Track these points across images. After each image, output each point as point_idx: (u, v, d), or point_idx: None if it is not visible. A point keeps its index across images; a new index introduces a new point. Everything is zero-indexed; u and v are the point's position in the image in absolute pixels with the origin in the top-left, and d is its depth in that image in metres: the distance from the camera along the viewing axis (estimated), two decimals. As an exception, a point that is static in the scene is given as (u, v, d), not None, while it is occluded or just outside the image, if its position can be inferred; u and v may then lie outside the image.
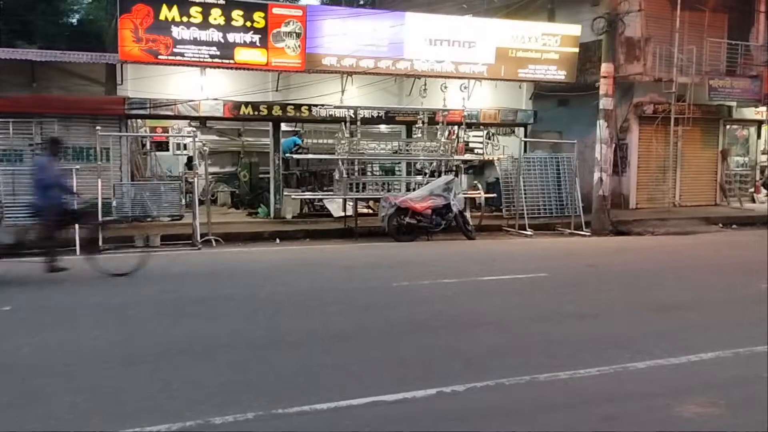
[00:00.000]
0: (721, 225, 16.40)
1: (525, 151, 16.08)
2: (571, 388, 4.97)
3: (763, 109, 19.53)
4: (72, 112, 13.89)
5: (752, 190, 20.54)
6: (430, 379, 5.04)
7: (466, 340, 6.19)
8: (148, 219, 14.02)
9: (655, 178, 18.59)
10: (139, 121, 16.00)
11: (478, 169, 17.78)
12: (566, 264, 10.95)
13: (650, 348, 5.89)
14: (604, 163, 14.98)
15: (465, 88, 16.48)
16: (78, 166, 12.36)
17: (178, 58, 13.73)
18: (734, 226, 16.52)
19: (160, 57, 13.59)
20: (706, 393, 4.91)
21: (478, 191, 15.81)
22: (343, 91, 15.59)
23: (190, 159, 18.05)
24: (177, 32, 13.55)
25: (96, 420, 4.30)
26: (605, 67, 14.79)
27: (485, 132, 17.84)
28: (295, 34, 14.35)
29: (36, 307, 7.53)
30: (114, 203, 12.97)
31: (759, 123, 20.66)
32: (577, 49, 16.56)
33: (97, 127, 12.94)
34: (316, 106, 15.41)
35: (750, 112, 19.81)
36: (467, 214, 14.12)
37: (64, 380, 5.04)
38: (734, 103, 18.98)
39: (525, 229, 14.56)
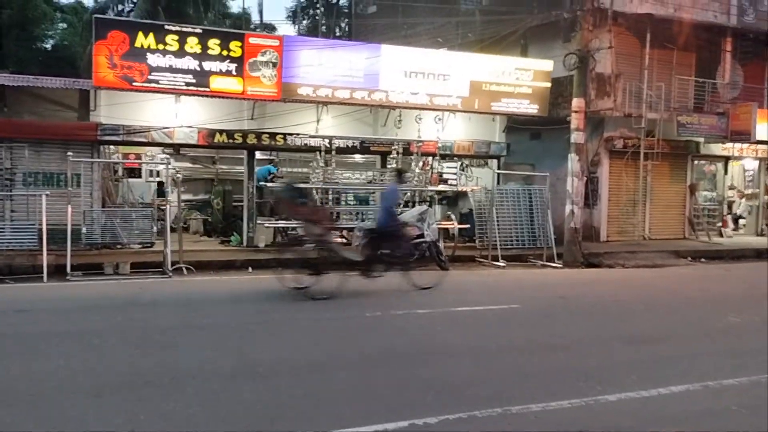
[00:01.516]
0: (690, 258, 16.66)
1: (498, 182, 16.25)
2: (543, 421, 4.96)
3: (729, 145, 20.01)
4: (43, 137, 13.74)
5: (720, 224, 20.94)
6: (403, 411, 5.00)
7: (439, 371, 6.17)
8: (119, 246, 13.81)
9: (625, 211, 18.88)
10: (111, 147, 15.86)
11: (452, 200, 17.88)
12: (538, 295, 11.00)
13: (621, 380, 5.93)
14: (575, 196, 15.18)
15: (439, 119, 16.66)
16: (48, 192, 12.22)
17: (153, 85, 13.68)
18: (702, 259, 16.79)
19: (134, 84, 13.54)
20: (677, 426, 4.93)
21: (451, 222, 15.89)
22: (318, 121, 15.66)
23: (160, 185, 17.95)
24: (153, 59, 13.53)
25: (58, 453, 4.18)
26: (576, 102, 15.08)
27: (459, 163, 18.00)
28: (271, 64, 14.41)
29: (1, 336, 7.34)
30: (84, 230, 12.76)
31: (726, 159, 21.16)
32: (549, 84, 16.86)
33: (69, 153, 12.77)
34: (291, 135, 15.43)
35: (717, 148, 20.29)
36: (441, 245, 14.13)
37: (28, 410, 4.90)
38: (702, 139, 19.42)
39: (498, 260, 14.64)
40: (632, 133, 18.09)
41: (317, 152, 14.97)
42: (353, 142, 16.04)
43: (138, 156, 17.69)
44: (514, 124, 18.03)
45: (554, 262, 14.89)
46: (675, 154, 19.35)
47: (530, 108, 16.86)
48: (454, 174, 17.85)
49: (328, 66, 14.85)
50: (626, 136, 18.34)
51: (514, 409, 5.11)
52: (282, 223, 15.80)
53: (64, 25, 33.18)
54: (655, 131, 17.89)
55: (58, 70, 21.79)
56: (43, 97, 14.36)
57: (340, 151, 15.50)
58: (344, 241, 15.64)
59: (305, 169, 16.02)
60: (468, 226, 15.97)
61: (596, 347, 7.36)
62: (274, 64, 14.42)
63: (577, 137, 15.12)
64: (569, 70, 15.25)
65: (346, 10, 31.67)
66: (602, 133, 18.25)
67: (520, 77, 16.62)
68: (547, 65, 16.85)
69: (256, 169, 16.21)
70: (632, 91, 17.82)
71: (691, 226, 20.03)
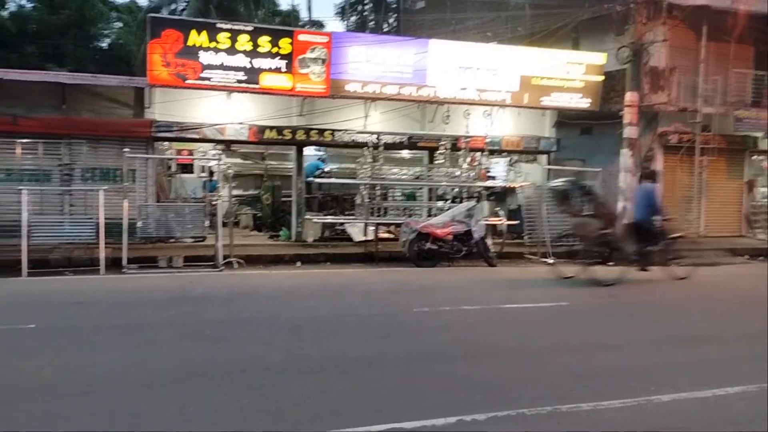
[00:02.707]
0: (747, 257, 16.15)
1: (548, 178, 16.02)
2: (595, 421, 4.89)
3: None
4: (100, 134, 14.16)
5: (779, 221, 20.21)
6: (450, 408, 4.99)
7: (487, 369, 6.13)
8: (172, 240, 14.15)
9: (679, 207, 18.38)
10: (165, 143, 16.24)
11: (500, 195, 17.72)
12: (588, 293, 10.82)
13: (674, 381, 5.79)
14: (627, 192, 14.87)
15: (488, 115, 16.52)
16: (106, 187, 12.55)
17: (206, 82, 13.96)
18: (761, 258, 16.24)
19: (187, 81, 13.83)
20: (733, 428, 4.80)
21: (499, 218, 15.75)
22: (366, 117, 15.74)
23: (210, 179, 18.31)
24: (205, 57, 13.79)
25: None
26: (629, 96, 14.77)
27: (508, 159, 17.83)
28: (320, 60, 14.53)
29: (59, 327, 7.60)
30: (139, 224, 13.12)
31: (785, 154, 20.41)
32: (601, 78, 16.55)
33: (125, 149, 13.16)
34: (339, 131, 15.55)
35: (776, 143, 19.59)
36: (489, 241, 14.05)
37: (83, 401, 5.07)
38: (760, 134, 18.78)
39: (547, 257, 14.45)
40: (687, 128, 17.60)
41: (365, 148, 15.02)
42: (401, 138, 16.06)
43: (190, 152, 18.07)
44: (565, 119, 17.75)
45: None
46: (731, 149, 18.76)
47: (582, 102, 16.58)
48: (503, 170, 17.71)
49: (376, 62, 14.90)
50: (681, 131, 17.85)
51: (564, 408, 5.04)
52: (330, 219, 15.96)
53: (120, 25, 34.07)
54: (710, 126, 17.36)
55: (114, 69, 22.41)
56: (100, 94, 14.77)
57: (388, 146, 15.54)
58: (392, 236, 15.72)
59: (353, 165, 16.12)
60: (517, 222, 15.80)
61: (647, 347, 7.19)
62: (323, 61, 14.53)
63: (629, 132, 14.82)
64: (622, 63, 14.95)
65: (395, 6, 31.63)
66: (656, 128, 17.81)
67: (571, 71, 16.36)
68: (599, 59, 16.54)
69: (305, 164, 16.38)
70: (687, 85, 17.33)
71: (748, 224, 19.40)
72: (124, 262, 12.02)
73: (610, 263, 11.46)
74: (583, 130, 17.97)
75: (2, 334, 7.11)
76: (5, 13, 29.58)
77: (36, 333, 7.28)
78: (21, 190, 11.79)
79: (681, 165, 18.14)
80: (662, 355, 6.88)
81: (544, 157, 17.84)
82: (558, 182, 13.45)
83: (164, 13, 26.71)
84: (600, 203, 12.27)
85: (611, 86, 16.60)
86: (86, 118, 14.33)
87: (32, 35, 28.24)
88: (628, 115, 14.76)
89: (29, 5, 30.79)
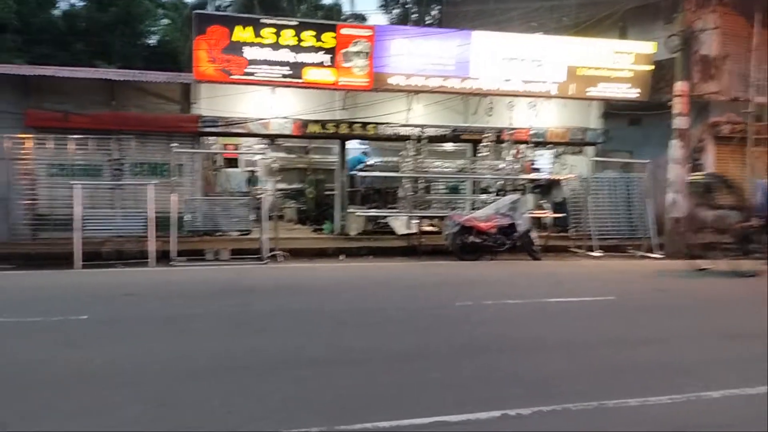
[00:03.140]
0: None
1: (594, 170, 15.75)
2: (642, 416, 4.79)
3: None
4: (149, 129, 14.46)
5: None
6: (494, 402, 4.96)
7: (531, 363, 6.07)
8: (218, 233, 14.39)
9: (732, 200, 17.85)
10: (211, 138, 16.50)
11: (545, 188, 17.48)
12: (635, 288, 10.63)
13: (724, 377, 5.64)
14: (677, 184, 14.52)
15: (533, 106, 16.32)
16: (155, 182, 12.81)
17: (250, 77, 14.12)
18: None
19: (232, 76, 14.01)
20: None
21: (544, 211, 15.56)
22: (409, 110, 15.71)
23: (252, 173, 18.55)
24: (250, 52, 13.95)
25: (159, 429, 4.42)
26: (679, 86, 14.39)
27: (553, 151, 17.58)
28: (363, 54, 14.54)
29: (110, 319, 7.81)
30: (187, 217, 13.37)
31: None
32: (651, 67, 16.17)
33: (172, 144, 13.42)
34: (382, 124, 15.57)
35: (834, 133, 18.83)
36: (533, 235, 13.90)
37: (133, 390, 5.20)
38: (816, 124, 18.05)
39: (593, 251, 14.23)
40: (739, 117, 17.05)
41: (408, 141, 14.99)
42: (444, 131, 16.00)
43: (235, 146, 18.32)
44: (612, 109, 17.39)
45: (654, 254, 14.31)
46: (786, 139, 18.09)
47: (630, 92, 16.24)
48: (548, 162, 17.48)
49: (419, 54, 14.84)
50: (733, 121, 17.29)
51: (610, 404, 4.96)
52: (373, 212, 16.00)
53: (166, 21, 34.72)
54: (763, 116, 16.78)
55: (160, 65, 22.88)
56: (147, 90, 15.09)
57: (431, 139, 15.49)
58: (435, 229, 15.69)
59: (395, 158, 16.12)
60: (562, 215, 15.59)
61: (696, 343, 7.02)
62: (366, 54, 14.54)
63: (679, 122, 14.44)
64: (671, 52, 14.56)
65: (437, -2, 31.44)
66: (707, 118, 17.30)
67: (619, 61, 16.03)
68: (648, 48, 16.17)
69: (348, 158, 16.44)
70: (739, 74, 16.77)
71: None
72: (173, 254, 12.28)
73: (749, 255, 11.67)
74: (632, 120, 17.56)
75: (55, 325, 7.34)
76: (57, 12, 30.43)
77: (88, 324, 7.49)
78: (74, 184, 12.14)
79: (732, 156, 17.56)
80: (711, 350, 6.70)
81: (590, 149, 17.54)
82: (698, 175, 13.48)
83: (209, 10, 27.09)
84: (741, 196, 12.33)
85: (660, 76, 16.18)
86: (135, 113, 14.65)
87: (82, 33, 29.00)
88: (678, 105, 14.38)
89: (79, 4, 31.66)
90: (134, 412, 4.70)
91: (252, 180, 18.35)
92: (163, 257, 12.23)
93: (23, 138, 13.43)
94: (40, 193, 13.63)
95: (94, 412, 4.73)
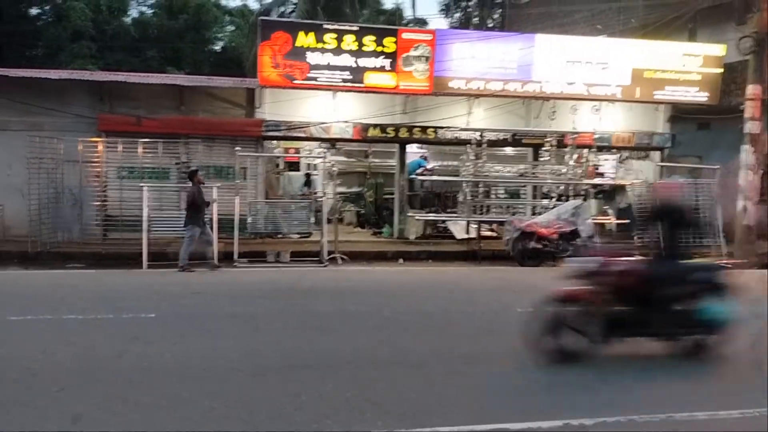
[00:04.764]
0: None
1: (661, 176, 15.32)
2: (711, 429, 4.65)
3: None
4: (215, 133, 14.82)
5: None
6: (557, 410, 4.90)
7: (592, 371, 5.94)
8: (279, 235, 14.62)
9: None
10: (273, 142, 16.78)
11: (609, 194, 17.11)
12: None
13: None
14: (749, 191, 13.98)
15: (597, 110, 16.01)
16: (219, 184, 13.11)
17: (312, 82, 14.31)
18: None
19: (295, 81, 14.23)
20: None
21: (608, 217, 15.22)
22: (469, 114, 15.63)
23: (308, 177, 18.81)
24: (312, 58, 14.14)
25: (229, 425, 4.53)
26: (752, 89, 13.86)
27: (617, 155, 17.19)
28: (423, 58, 14.56)
29: (177, 316, 8.04)
30: (249, 220, 13.64)
31: None
32: (721, 70, 15.65)
33: (237, 148, 13.73)
34: (442, 128, 15.54)
35: None
36: (596, 241, 13.60)
37: (201, 385, 5.35)
38: None
39: (659, 258, 13.82)
40: (817, 122, 16.32)
41: (468, 145, 14.92)
42: (504, 135, 15.85)
43: (297, 150, 18.60)
44: (680, 113, 16.88)
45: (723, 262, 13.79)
46: None
47: (699, 96, 15.74)
48: (612, 167, 17.09)
49: (480, 58, 14.76)
50: (810, 125, 16.56)
51: (678, 416, 4.83)
52: (432, 216, 15.98)
53: (232, 28, 35.51)
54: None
55: (226, 70, 23.42)
56: (214, 95, 15.47)
57: (491, 143, 15.35)
58: (495, 234, 15.54)
59: (455, 162, 16.06)
60: (627, 221, 15.20)
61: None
62: (427, 59, 14.55)
63: (751, 127, 13.91)
64: (744, 54, 14.04)
65: (500, 1, 31.20)
66: (781, 122, 16.63)
67: (687, 63, 15.57)
68: (718, 50, 15.64)
69: (407, 162, 16.47)
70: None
71: None
72: (236, 256, 12.54)
73: None
74: (701, 125, 17.01)
75: (126, 322, 7.60)
76: (128, 20, 31.54)
77: (156, 321, 7.73)
78: (142, 186, 12.54)
79: (810, 162, 16.83)
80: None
81: (657, 154, 17.07)
82: None
83: (274, 16, 27.60)
84: None
85: (732, 78, 15.63)
86: (202, 118, 15.05)
87: (153, 40, 29.97)
88: (750, 108, 13.85)
89: (150, 11, 32.70)
90: (204, 408, 4.84)
91: (308, 183, 18.60)
92: (227, 258, 12.50)
93: (95, 141, 13.96)
94: (111, 195, 14.11)
95: (165, 406, 4.89)
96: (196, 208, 12.01)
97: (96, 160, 13.94)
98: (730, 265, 7.00)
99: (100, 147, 13.94)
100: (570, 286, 6.44)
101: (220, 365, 5.91)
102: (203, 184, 12.46)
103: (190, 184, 12.29)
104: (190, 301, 9.14)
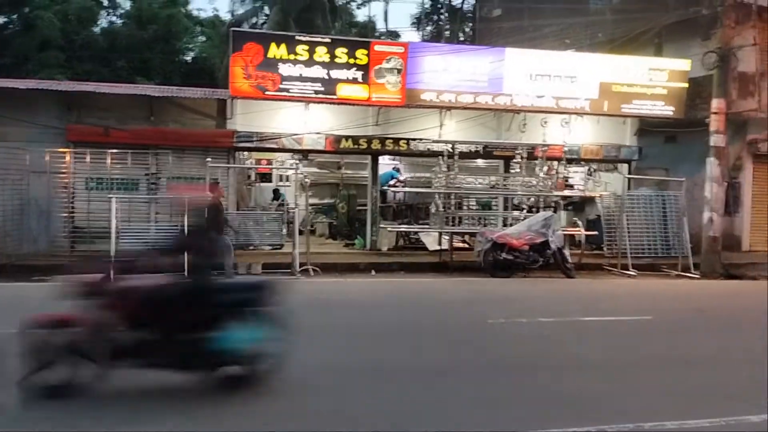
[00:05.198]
0: None
1: (629, 188, 15.58)
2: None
3: None
4: (185, 144, 14.68)
5: None
6: (528, 421, 4.93)
7: (566, 383, 6.00)
8: (251, 247, 14.52)
9: (770, 218, 17.51)
10: (245, 153, 16.69)
11: (579, 205, 17.34)
12: (672, 307, 10.45)
13: (763, 400, 5.50)
14: (714, 203, 14.29)
15: (566, 123, 16.23)
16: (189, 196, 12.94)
17: (284, 93, 14.29)
18: None
19: (267, 93, 14.20)
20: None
21: (578, 228, 15.41)
22: (441, 126, 15.73)
23: (276, 191, 18.75)
24: (284, 69, 14.13)
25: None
26: (716, 103, 14.20)
27: (586, 168, 17.43)
28: (396, 70, 14.64)
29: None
30: (220, 231, 13.51)
31: None
32: (686, 85, 15.99)
33: (207, 159, 13.62)
34: (414, 140, 15.60)
35: None
36: (566, 252, 13.76)
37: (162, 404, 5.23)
38: None
39: (628, 269, 14.03)
40: (779, 135, 16.76)
41: (440, 157, 15.00)
42: (476, 147, 15.97)
43: (269, 161, 18.52)
44: (647, 126, 17.20)
45: (690, 273, 14.06)
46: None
47: (665, 110, 16.06)
48: (581, 179, 17.33)
49: (451, 71, 14.89)
50: (772, 139, 17.00)
51: (647, 426, 4.89)
52: (404, 228, 16.01)
53: (203, 39, 35.32)
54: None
55: (197, 81, 23.23)
56: (184, 106, 15.34)
57: (463, 155, 15.46)
58: (467, 245, 15.62)
59: (427, 174, 16.14)
60: (596, 233, 15.40)
61: (737, 365, 6.87)
62: (399, 71, 14.64)
63: (716, 140, 14.24)
64: (708, 69, 14.38)
65: (470, 15, 31.55)
66: (745, 135, 17.04)
67: (654, 78, 15.89)
68: (683, 65, 15.99)
69: (380, 173, 16.50)
70: (779, 91, 16.51)
71: None
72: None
73: None
74: (667, 138, 17.35)
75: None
76: (97, 30, 31.18)
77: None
78: (110, 198, 12.37)
79: (772, 174, 17.27)
80: (752, 373, 6.55)
81: (624, 166, 17.35)
82: None
83: (246, 27, 27.54)
84: None
85: (697, 93, 15.98)
86: (172, 128, 14.90)
87: (122, 50, 29.63)
88: (715, 122, 14.18)
89: (119, 21, 32.39)
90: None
91: (276, 196, 18.53)
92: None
93: (63, 152, 13.74)
94: (78, 206, 13.91)
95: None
96: (219, 220, 12.03)
97: (64, 170, 13.73)
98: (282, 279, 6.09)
99: (68, 158, 13.73)
100: (64, 308, 5.39)
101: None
102: (223, 197, 12.62)
103: (210, 196, 12.23)
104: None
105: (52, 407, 5.04)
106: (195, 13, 35.18)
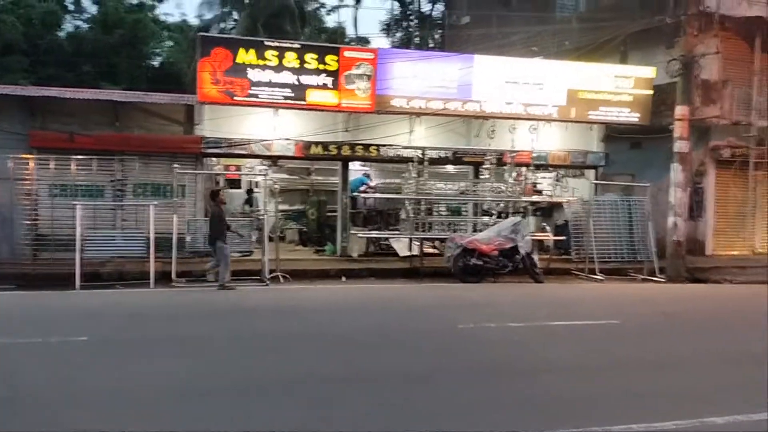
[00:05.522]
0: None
1: (596, 193, 15.77)
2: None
3: None
4: (152, 150, 14.48)
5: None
6: (497, 424, 4.93)
7: (536, 387, 6.02)
8: (219, 254, 14.32)
9: (732, 224, 17.87)
10: (213, 159, 16.52)
11: (547, 211, 17.50)
12: (639, 311, 10.57)
13: (729, 402, 5.60)
14: (678, 208, 14.54)
15: (534, 129, 16.39)
16: (156, 202, 12.81)
17: (253, 99, 14.19)
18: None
19: (236, 98, 14.08)
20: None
21: (546, 234, 15.56)
22: (411, 132, 15.77)
23: (249, 194, 18.59)
24: (253, 74, 14.03)
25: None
26: (680, 110, 14.46)
27: (554, 174, 17.62)
28: (365, 76, 14.63)
29: (111, 340, 7.75)
30: (188, 238, 13.36)
31: None
32: (651, 92, 16.27)
33: (175, 165, 13.45)
34: (384, 146, 15.62)
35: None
36: (535, 257, 13.87)
37: (137, 409, 5.16)
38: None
39: (595, 274, 14.20)
40: (741, 141, 17.14)
41: (410, 163, 15.03)
42: (446, 153, 16.04)
43: (238, 168, 18.36)
44: (613, 133, 17.46)
45: (656, 277, 14.28)
46: (788, 163, 18.15)
47: (631, 116, 16.32)
48: (549, 185, 17.51)
49: (421, 77, 14.94)
50: (734, 145, 17.38)
51: (615, 429, 4.92)
52: (375, 234, 15.99)
53: (171, 43, 34.96)
54: (765, 139, 16.87)
55: (165, 86, 22.97)
56: (151, 112, 15.13)
57: (433, 161, 15.52)
58: (437, 251, 15.66)
59: (398, 180, 16.15)
60: (564, 238, 15.57)
61: (702, 367, 6.98)
62: (369, 77, 14.64)
63: (680, 146, 14.50)
64: (672, 76, 14.65)
65: (440, 22, 31.73)
66: (708, 141, 17.39)
67: (619, 85, 16.14)
68: (648, 72, 16.28)
69: (350, 179, 16.47)
70: (741, 98, 16.90)
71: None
72: (173, 276, 12.24)
73: None
74: (633, 144, 17.63)
75: (55, 347, 7.27)
76: (62, 34, 30.65)
77: (88, 345, 7.42)
78: (75, 205, 12.14)
79: (734, 180, 17.64)
80: (716, 375, 6.66)
81: (591, 172, 17.58)
82: None
83: (213, 32, 27.32)
84: None
85: (661, 100, 16.27)
86: (138, 134, 14.69)
87: (87, 54, 29.17)
88: (679, 128, 14.45)
89: (85, 26, 31.89)
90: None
91: (249, 201, 18.37)
92: (164, 278, 12.19)
93: (26, 158, 13.45)
94: (42, 214, 13.60)
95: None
96: (222, 226, 12.10)
97: (27, 177, 13.43)
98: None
99: (32, 164, 13.43)
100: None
101: (156, 389, 5.71)
102: (225, 204, 12.78)
103: (213, 204, 12.50)
104: (127, 323, 8.84)
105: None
106: (162, 17, 34.84)
